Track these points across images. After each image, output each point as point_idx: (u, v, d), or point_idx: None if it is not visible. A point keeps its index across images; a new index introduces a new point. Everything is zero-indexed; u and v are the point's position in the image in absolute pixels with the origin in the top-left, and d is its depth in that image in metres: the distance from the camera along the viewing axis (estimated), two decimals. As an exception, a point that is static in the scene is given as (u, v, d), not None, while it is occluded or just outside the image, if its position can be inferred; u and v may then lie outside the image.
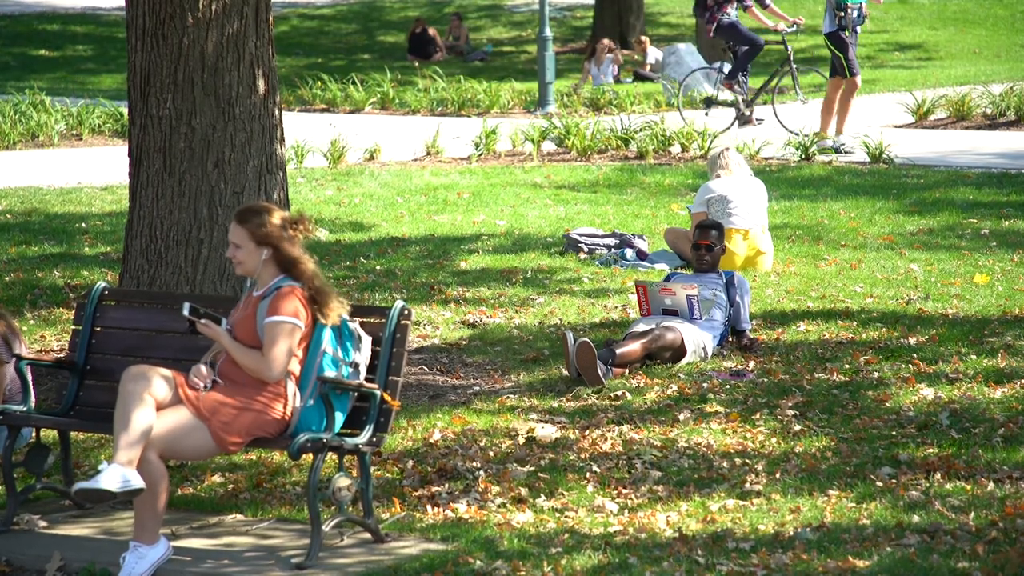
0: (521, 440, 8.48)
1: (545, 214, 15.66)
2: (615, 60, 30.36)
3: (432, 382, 9.70)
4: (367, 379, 7.24)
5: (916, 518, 7.06)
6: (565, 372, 9.65)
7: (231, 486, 8.00)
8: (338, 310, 7.18)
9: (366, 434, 7.11)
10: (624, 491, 7.66)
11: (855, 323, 10.73)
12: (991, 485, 7.51)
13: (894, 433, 8.40)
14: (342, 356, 7.19)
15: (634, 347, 9.73)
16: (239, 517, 7.57)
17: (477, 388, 9.56)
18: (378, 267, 12.98)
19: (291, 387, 7.12)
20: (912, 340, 10.20)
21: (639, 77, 30.61)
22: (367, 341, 7.29)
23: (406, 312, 7.31)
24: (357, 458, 7.18)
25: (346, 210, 16.04)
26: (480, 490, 7.71)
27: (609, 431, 8.59)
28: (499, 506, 7.51)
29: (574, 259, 13.22)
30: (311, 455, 6.97)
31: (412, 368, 9.90)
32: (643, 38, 32.86)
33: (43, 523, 7.54)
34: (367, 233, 14.74)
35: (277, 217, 7.23)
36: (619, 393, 9.28)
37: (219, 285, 9.39)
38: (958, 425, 8.47)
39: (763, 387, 9.34)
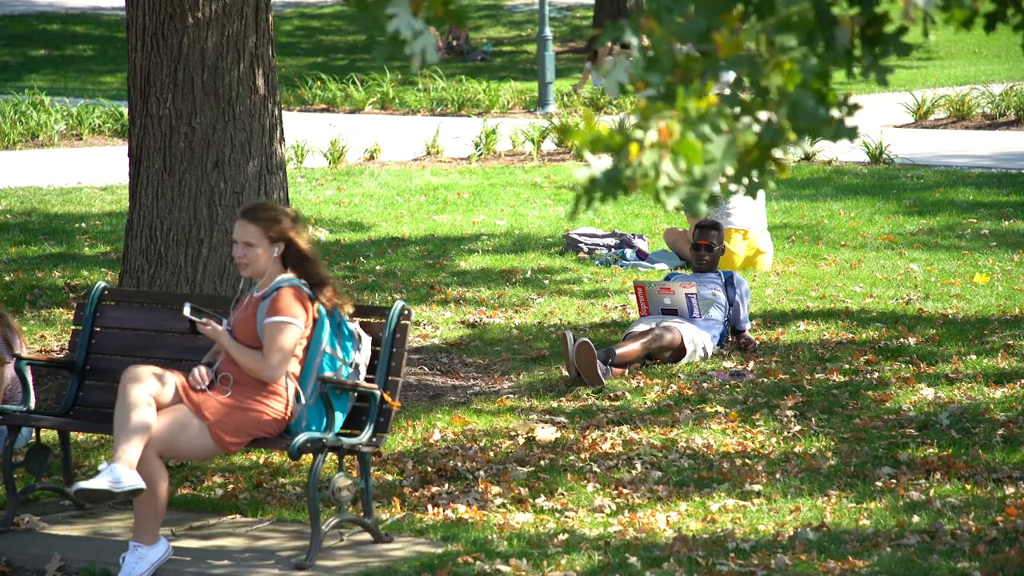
0: (521, 440, 8.47)
1: (545, 214, 15.66)
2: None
3: (432, 382, 9.69)
4: (367, 379, 7.24)
5: (916, 518, 7.06)
6: (565, 372, 9.65)
7: (231, 486, 7.99)
8: (339, 300, 7.17)
9: (366, 434, 7.11)
10: (624, 491, 7.65)
11: (855, 323, 10.73)
12: (991, 485, 7.51)
13: (894, 433, 8.40)
14: (342, 356, 7.19)
15: (634, 347, 9.73)
16: (239, 517, 7.57)
17: (477, 388, 9.56)
18: (378, 267, 12.98)
19: (291, 387, 7.12)
20: (912, 340, 10.20)
21: (639, 77, 30.58)
22: (367, 341, 7.29)
23: (406, 312, 7.31)
24: (357, 458, 7.18)
25: (346, 210, 16.04)
26: (480, 490, 7.71)
27: (609, 431, 8.59)
28: (499, 506, 7.51)
29: (574, 259, 13.22)
30: (311, 455, 6.96)
31: (412, 368, 9.89)
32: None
33: (43, 523, 7.54)
34: (367, 233, 14.74)
35: (283, 212, 7.25)
36: (619, 393, 9.27)
37: (219, 285, 9.39)
38: (958, 425, 8.47)
39: (763, 387, 9.33)
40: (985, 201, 15.92)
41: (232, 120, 9.36)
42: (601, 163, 3.79)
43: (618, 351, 9.67)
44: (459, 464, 8.07)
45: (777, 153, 3.88)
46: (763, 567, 6.54)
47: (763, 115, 3.85)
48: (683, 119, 3.74)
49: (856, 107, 3.89)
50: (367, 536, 7.18)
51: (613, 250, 13.40)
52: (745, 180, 3.85)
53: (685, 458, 8.13)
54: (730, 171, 3.83)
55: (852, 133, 3.88)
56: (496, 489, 7.72)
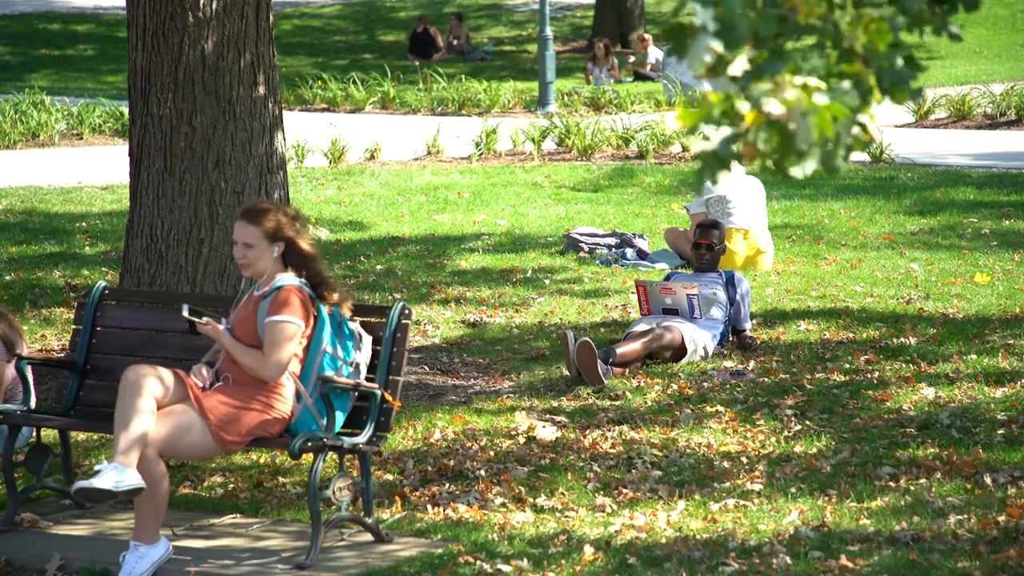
0: (521, 440, 8.47)
1: (545, 214, 15.66)
2: (610, 65, 30.33)
3: (432, 382, 9.69)
4: (368, 379, 7.23)
5: (916, 518, 7.06)
6: (565, 372, 9.64)
7: (231, 486, 7.99)
8: (339, 299, 7.17)
9: (366, 434, 7.10)
10: (624, 491, 7.65)
11: (855, 322, 10.73)
12: (991, 485, 7.51)
13: (894, 433, 8.40)
14: (342, 355, 7.19)
15: (634, 347, 9.73)
16: (239, 517, 7.57)
17: (477, 388, 9.56)
18: (378, 266, 12.98)
19: (291, 387, 7.11)
20: (912, 340, 10.20)
21: (639, 77, 30.62)
22: (367, 341, 7.28)
23: (406, 312, 7.31)
24: (357, 458, 7.18)
25: (346, 210, 16.04)
26: (480, 490, 7.70)
27: (609, 431, 8.58)
28: (499, 506, 7.50)
29: (574, 259, 13.22)
30: (311, 455, 6.96)
31: (412, 367, 9.89)
32: (645, 36, 32.87)
33: (43, 523, 7.53)
34: (367, 232, 14.74)
35: (282, 212, 7.24)
36: (619, 393, 9.27)
37: (219, 285, 9.39)
38: (958, 425, 8.46)
39: (763, 387, 9.33)
40: (986, 201, 15.92)
41: (232, 120, 9.36)
42: (716, 134, 3.73)
43: (619, 351, 9.67)
44: (459, 463, 8.07)
45: (862, 118, 3.82)
46: (764, 567, 6.53)
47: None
48: (798, 84, 3.68)
49: (923, 68, 3.87)
50: (368, 536, 7.18)
51: (614, 250, 13.40)
52: (840, 146, 3.78)
53: (685, 458, 8.12)
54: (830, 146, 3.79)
55: (918, 93, 3.86)
56: (496, 489, 7.71)
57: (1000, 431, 8.32)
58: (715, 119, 3.75)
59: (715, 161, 3.76)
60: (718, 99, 3.75)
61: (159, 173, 9.41)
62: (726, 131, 3.75)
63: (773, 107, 3.68)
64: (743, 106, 3.73)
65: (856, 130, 3.79)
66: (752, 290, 11.15)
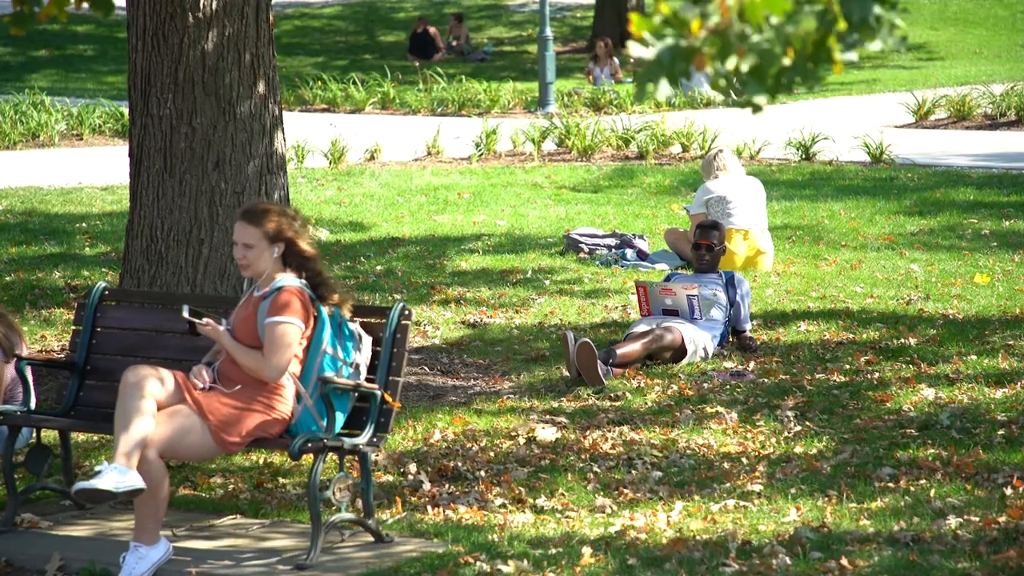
0: (521, 440, 8.47)
1: (545, 214, 15.66)
2: (612, 67, 30.35)
3: (432, 382, 9.69)
4: (368, 379, 7.23)
5: (916, 518, 7.06)
6: (565, 372, 9.64)
7: (231, 487, 7.99)
8: (339, 300, 7.17)
9: (367, 434, 7.10)
10: (624, 491, 7.65)
11: (855, 323, 10.73)
12: (991, 485, 7.51)
13: (895, 433, 8.40)
14: (342, 356, 7.18)
15: (634, 347, 9.73)
16: (239, 518, 7.57)
17: (477, 388, 9.56)
18: (378, 267, 12.98)
19: (292, 387, 7.11)
20: (912, 340, 10.20)
21: (640, 77, 30.61)
22: (367, 341, 7.28)
23: (406, 312, 7.31)
24: (358, 458, 7.18)
25: (346, 210, 16.04)
26: (480, 491, 7.70)
27: (609, 432, 8.58)
28: (499, 507, 7.50)
29: (574, 259, 13.22)
30: (312, 455, 6.96)
31: (412, 368, 9.89)
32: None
33: (43, 523, 7.53)
34: (367, 233, 14.74)
35: (282, 213, 7.24)
36: (619, 393, 9.27)
37: (219, 285, 9.39)
38: (958, 425, 8.47)
39: (763, 387, 9.33)
40: (986, 201, 15.92)
41: (232, 120, 9.36)
42: (660, 43, 3.75)
43: (619, 351, 9.67)
44: (459, 464, 8.07)
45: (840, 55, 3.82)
46: (764, 567, 6.53)
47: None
48: None
49: (904, 9, 3.88)
50: (368, 536, 7.18)
51: (613, 250, 13.40)
52: (778, 42, 3.79)
53: (685, 458, 8.12)
54: (787, 62, 3.77)
55: (901, 40, 3.84)
56: (497, 489, 7.71)
57: (1000, 432, 8.32)
58: (664, 25, 3.76)
59: (658, 69, 3.77)
60: (668, 8, 3.78)
61: (159, 174, 9.41)
62: (670, 41, 3.77)
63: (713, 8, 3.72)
64: (690, 15, 3.74)
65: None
66: (752, 291, 11.15)
